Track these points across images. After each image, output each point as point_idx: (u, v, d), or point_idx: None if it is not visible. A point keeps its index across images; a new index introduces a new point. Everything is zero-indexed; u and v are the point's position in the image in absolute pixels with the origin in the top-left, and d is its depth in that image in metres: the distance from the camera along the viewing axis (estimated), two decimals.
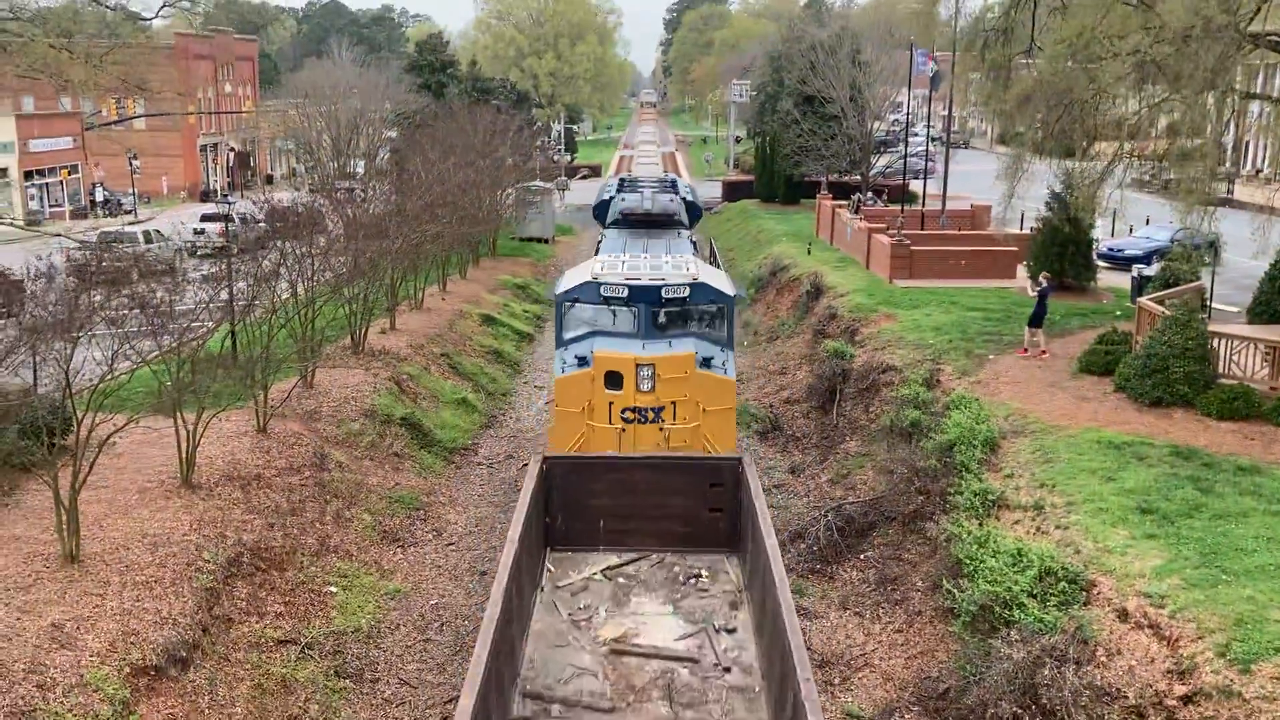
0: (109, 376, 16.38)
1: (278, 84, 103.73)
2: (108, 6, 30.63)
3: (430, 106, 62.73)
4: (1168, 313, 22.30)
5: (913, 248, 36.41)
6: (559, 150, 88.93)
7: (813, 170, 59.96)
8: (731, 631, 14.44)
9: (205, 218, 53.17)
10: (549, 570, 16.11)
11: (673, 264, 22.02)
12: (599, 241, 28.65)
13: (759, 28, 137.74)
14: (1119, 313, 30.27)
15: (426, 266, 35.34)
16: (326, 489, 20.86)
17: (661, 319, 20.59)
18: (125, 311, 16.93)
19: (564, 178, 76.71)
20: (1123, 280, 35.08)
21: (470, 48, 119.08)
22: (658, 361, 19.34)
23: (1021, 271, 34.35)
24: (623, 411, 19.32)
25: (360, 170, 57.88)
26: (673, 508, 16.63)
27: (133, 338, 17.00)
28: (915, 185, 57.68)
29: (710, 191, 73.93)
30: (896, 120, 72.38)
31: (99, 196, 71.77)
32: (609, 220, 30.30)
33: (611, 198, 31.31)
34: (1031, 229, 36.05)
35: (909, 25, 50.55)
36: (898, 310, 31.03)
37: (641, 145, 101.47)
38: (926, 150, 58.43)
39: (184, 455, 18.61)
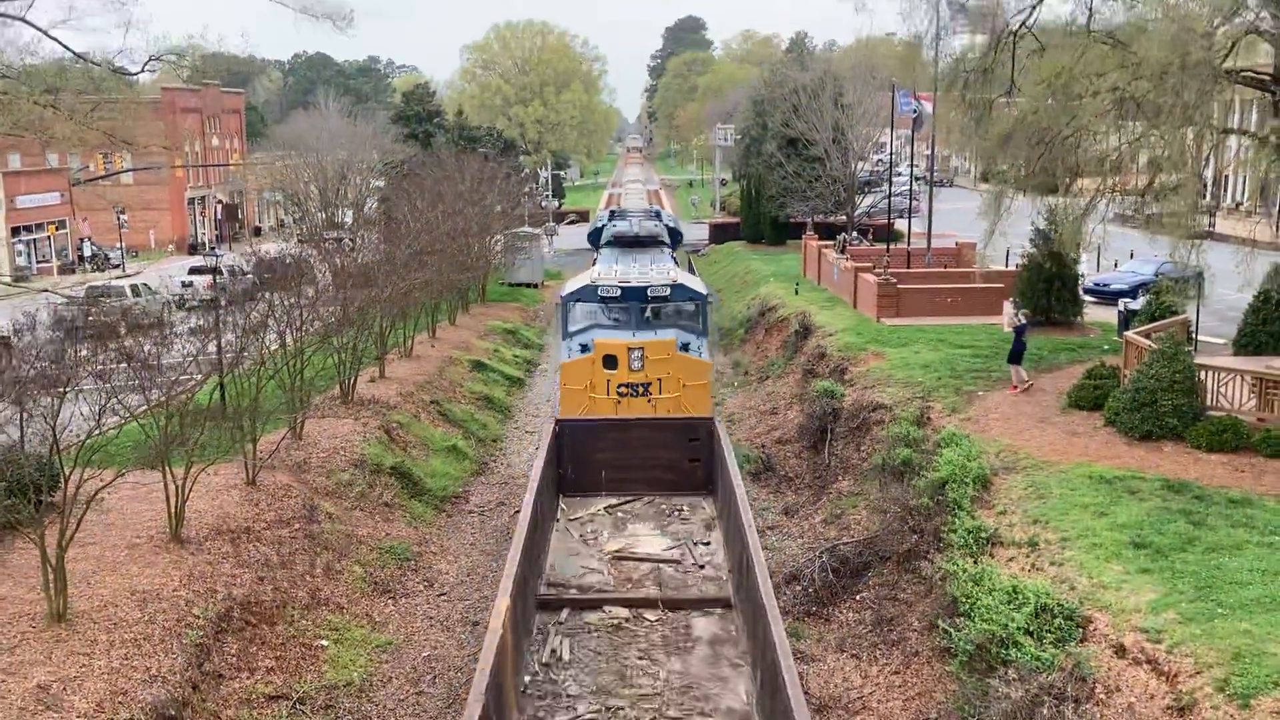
0: (96, 432, 16.28)
1: (264, 136, 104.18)
2: (94, 63, 30.76)
3: (418, 156, 63.16)
4: (1154, 346, 22.37)
5: (899, 286, 36.49)
6: (546, 196, 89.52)
7: (798, 211, 60.46)
8: (706, 544, 18.43)
9: (193, 270, 53.16)
10: (562, 509, 19.84)
11: (656, 271, 26.88)
12: (594, 260, 32.89)
13: (742, 73, 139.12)
14: (1106, 347, 30.35)
15: (416, 313, 35.28)
16: (316, 541, 20.71)
17: (648, 313, 25.38)
18: (113, 366, 16.87)
19: (552, 223, 77.04)
20: (1109, 315, 35.21)
21: (457, 97, 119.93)
22: (646, 345, 23.71)
23: (1008, 308, 34.60)
24: (618, 387, 23.49)
25: (348, 220, 58.07)
26: (660, 459, 20.56)
27: (120, 392, 16.92)
28: (900, 224, 58.02)
29: (697, 234, 74.39)
30: (880, 160, 73.14)
31: (86, 251, 71.75)
32: (602, 242, 35.01)
33: (604, 225, 36.83)
34: (1017, 265, 36.22)
35: (891, 67, 51.19)
36: (886, 348, 30.88)
37: (629, 184, 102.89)
38: (910, 189, 58.78)
39: (173, 509, 18.47)
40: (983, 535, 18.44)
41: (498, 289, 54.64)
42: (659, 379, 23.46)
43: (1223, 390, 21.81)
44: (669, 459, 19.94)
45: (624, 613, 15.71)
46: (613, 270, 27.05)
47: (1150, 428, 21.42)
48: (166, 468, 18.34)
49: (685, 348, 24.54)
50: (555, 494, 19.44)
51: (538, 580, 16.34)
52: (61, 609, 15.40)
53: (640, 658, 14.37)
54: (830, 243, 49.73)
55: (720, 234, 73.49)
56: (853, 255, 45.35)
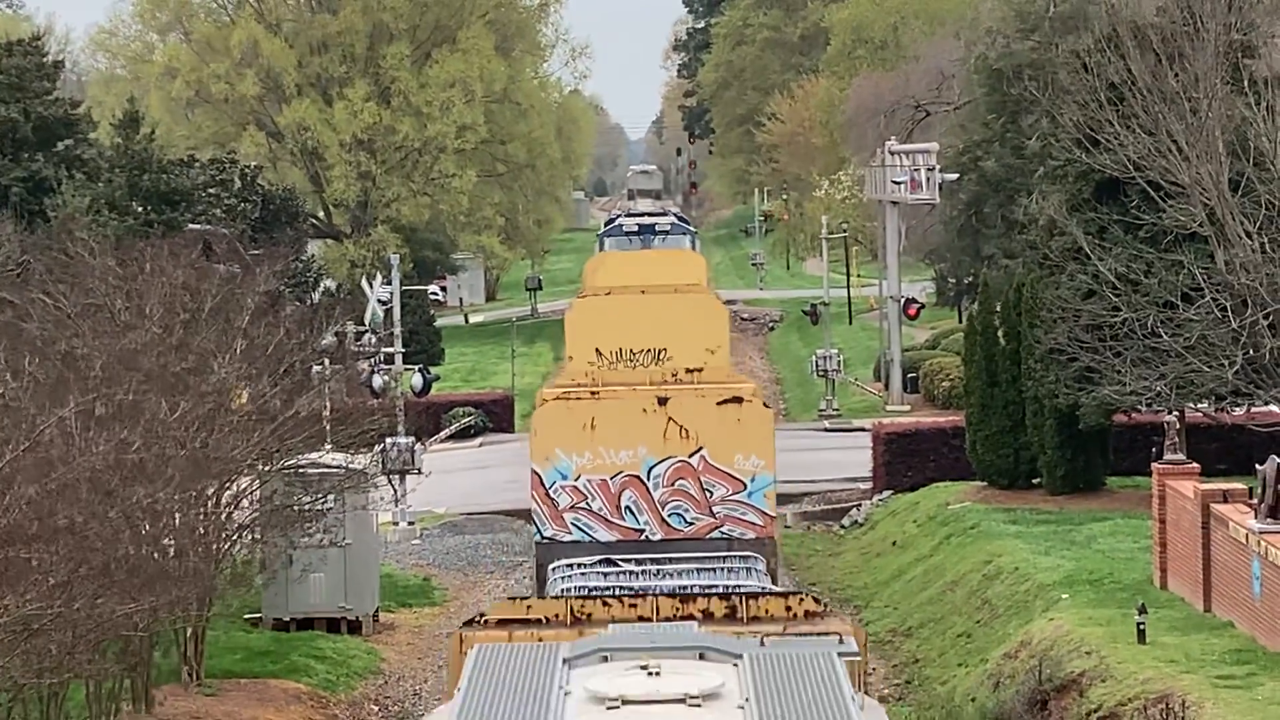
0: None
1: None
2: None
3: (10, 243, 23.48)
4: None
5: None
6: (378, 363, 29.65)
7: (1133, 394, 23.29)
8: None
9: None
10: None
11: (661, 218, 60.70)
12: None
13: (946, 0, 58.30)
14: None
15: None
16: None
17: (656, 242, 52.69)
18: None
19: (404, 442, 28.26)
20: None
21: (126, 74, 54.14)
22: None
23: None
24: None
25: None
26: None
27: None
28: None
29: (839, 465, 32.83)
30: None
31: None
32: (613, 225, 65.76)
33: (613, 219, 68.66)
34: None
35: None
36: None
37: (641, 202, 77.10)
38: None
39: None
40: None
41: (240, 640, 21.08)
42: None
43: None
44: None
45: None
46: (632, 217, 60.42)
47: None
48: None
49: None
50: None
51: None
52: None
53: None
54: (1236, 485, 21.68)
55: (906, 462, 30.34)
56: None
